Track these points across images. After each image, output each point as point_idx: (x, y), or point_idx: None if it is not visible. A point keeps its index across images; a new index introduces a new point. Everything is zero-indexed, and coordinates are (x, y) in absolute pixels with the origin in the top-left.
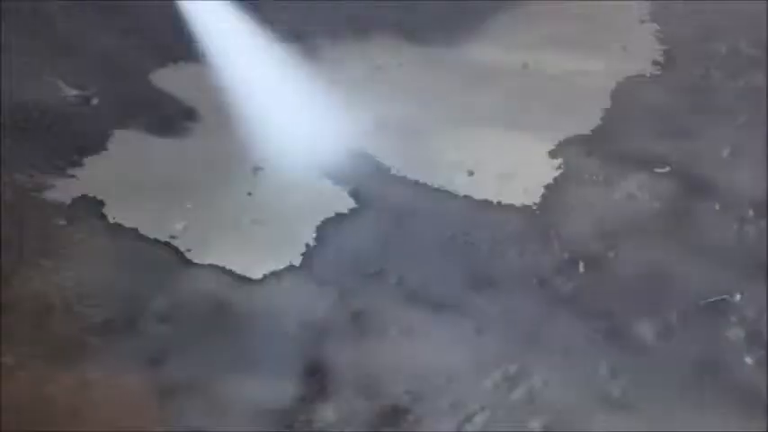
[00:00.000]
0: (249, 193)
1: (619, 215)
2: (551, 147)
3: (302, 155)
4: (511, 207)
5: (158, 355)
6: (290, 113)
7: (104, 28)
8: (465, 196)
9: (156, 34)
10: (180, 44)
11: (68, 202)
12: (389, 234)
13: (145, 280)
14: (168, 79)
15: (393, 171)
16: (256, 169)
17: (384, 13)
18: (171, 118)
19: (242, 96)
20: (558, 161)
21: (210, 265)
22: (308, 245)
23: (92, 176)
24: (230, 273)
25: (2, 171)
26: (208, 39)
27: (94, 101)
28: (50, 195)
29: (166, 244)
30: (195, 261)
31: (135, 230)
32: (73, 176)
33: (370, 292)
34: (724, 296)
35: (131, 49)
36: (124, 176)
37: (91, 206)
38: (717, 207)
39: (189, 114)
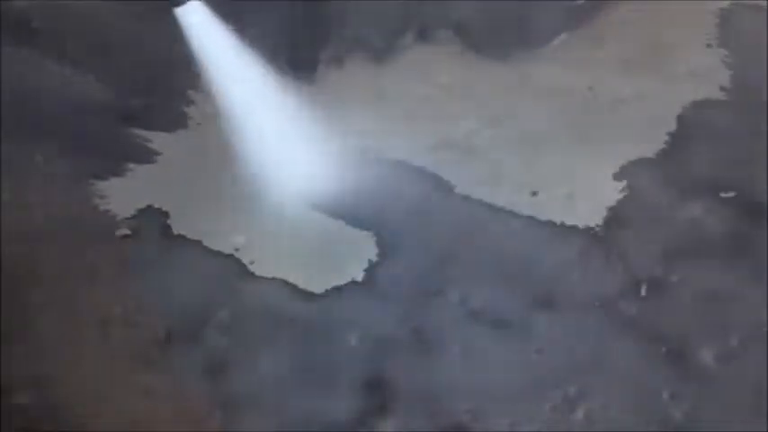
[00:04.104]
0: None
1: (682, 239)
2: (616, 169)
3: (365, 171)
4: (574, 228)
5: (219, 367)
6: (354, 131)
7: (158, 36)
8: (528, 216)
9: None
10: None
11: (133, 212)
12: (452, 252)
13: (208, 292)
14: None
15: (457, 190)
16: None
17: (447, 23)
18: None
19: (308, 110)
20: (623, 184)
21: (273, 278)
22: (370, 261)
23: (156, 187)
24: (293, 286)
25: (65, 181)
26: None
27: (153, 110)
28: (115, 205)
29: (230, 256)
30: (258, 274)
31: (199, 242)
32: (137, 186)
33: (431, 310)
34: None
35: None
36: (188, 186)
37: (155, 217)
38: None
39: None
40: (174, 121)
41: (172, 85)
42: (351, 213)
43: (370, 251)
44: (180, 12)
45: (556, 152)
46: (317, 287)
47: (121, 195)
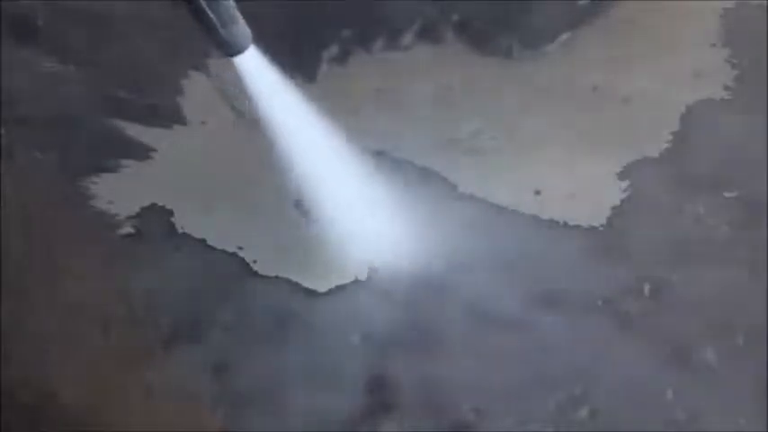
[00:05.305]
0: None
1: (685, 238)
2: (619, 168)
3: (368, 171)
4: (577, 228)
5: (222, 365)
6: (356, 130)
7: (160, 35)
8: (532, 215)
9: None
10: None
11: (137, 210)
12: (456, 251)
13: (211, 290)
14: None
15: (460, 189)
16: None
17: (449, 22)
18: (230, 124)
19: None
20: (626, 183)
21: (276, 277)
22: (374, 260)
23: (160, 185)
24: (296, 285)
25: (66, 179)
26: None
27: (156, 108)
28: (118, 204)
29: (233, 255)
30: (261, 273)
31: (203, 241)
32: (140, 184)
33: (435, 308)
34: None
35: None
36: (192, 185)
37: (159, 215)
38: None
39: (248, 121)
40: (178, 119)
41: (174, 84)
42: (353, 213)
43: (374, 250)
44: (238, 60)
45: (559, 151)
46: (321, 286)
47: (125, 194)
